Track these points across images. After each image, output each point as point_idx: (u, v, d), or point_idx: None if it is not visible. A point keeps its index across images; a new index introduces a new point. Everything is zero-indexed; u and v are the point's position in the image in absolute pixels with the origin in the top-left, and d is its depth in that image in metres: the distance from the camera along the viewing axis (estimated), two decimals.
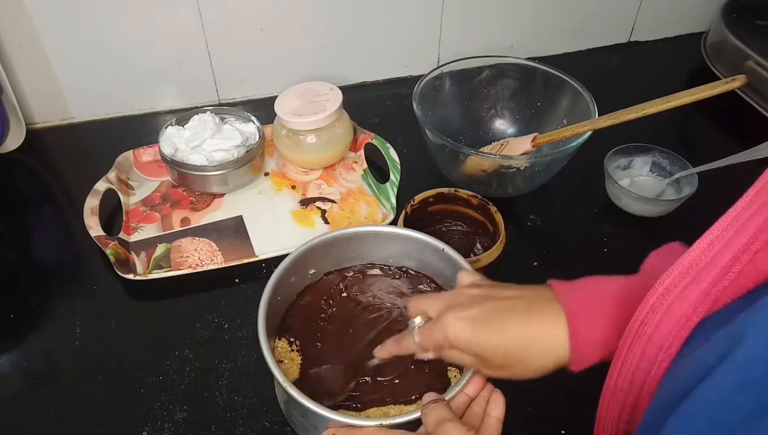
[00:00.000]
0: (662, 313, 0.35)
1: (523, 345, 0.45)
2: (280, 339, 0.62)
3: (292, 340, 0.62)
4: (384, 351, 0.55)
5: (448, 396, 0.51)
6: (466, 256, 0.64)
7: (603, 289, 0.45)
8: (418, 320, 0.52)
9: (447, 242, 0.64)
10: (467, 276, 0.54)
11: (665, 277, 0.36)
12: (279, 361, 0.59)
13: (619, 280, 0.46)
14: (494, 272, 0.70)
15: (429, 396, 0.50)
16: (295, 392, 0.51)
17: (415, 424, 0.49)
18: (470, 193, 0.74)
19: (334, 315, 0.64)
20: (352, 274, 0.68)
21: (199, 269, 0.73)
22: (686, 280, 0.35)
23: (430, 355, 0.51)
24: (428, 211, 0.75)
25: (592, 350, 0.43)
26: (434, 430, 0.45)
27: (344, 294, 0.66)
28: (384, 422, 0.50)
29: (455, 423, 0.45)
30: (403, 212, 0.73)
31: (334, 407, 0.56)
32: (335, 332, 0.63)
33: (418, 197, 0.74)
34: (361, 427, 0.49)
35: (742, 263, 0.33)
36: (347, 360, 0.60)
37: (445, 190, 0.74)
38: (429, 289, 0.66)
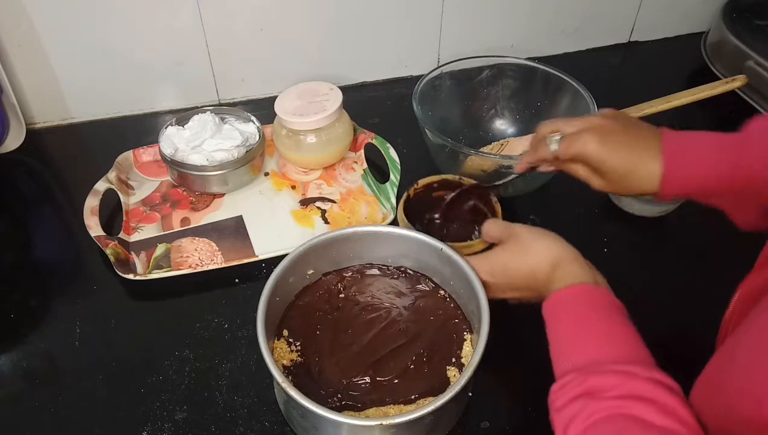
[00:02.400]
0: None
1: (628, 169, 0.55)
2: (279, 339, 0.62)
3: (291, 340, 0.62)
4: (523, 164, 0.65)
5: (447, 396, 0.51)
6: (462, 241, 0.67)
7: (704, 139, 0.54)
8: (556, 136, 0.59)
9: (447, 227, 0.64)
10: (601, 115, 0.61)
11: None
12: (278, 362, 0.59)
13: (722, 136, 0.54)
14: None
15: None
16: (294, 392, 0.51)
17: (416, 423, 0.49)
18: (473, 181, 0.75)
19: (333, 315, 0.64)
20: (350, 274, 0.68)
21: (199, 269, 0.73)
22: None
23: (550, 168, 0.63)
24: (432, 197, 0.76)
25: (680, 184, 0.54)
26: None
27: (342, 295, 0.66)
28: (384, 422, 0.50)
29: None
30: (405, 194, 0.73)
31: (335, 408, 0.56)
32: (334, 332, 0.63)
33: (422, 182, 0.75)
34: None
35: None
36: (346, 360, 0.60)
37: (449, 176, 0.75)
38: (428, 289, 0.66)
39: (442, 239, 0.65)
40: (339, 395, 0.58)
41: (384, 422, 0.50)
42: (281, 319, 0.63)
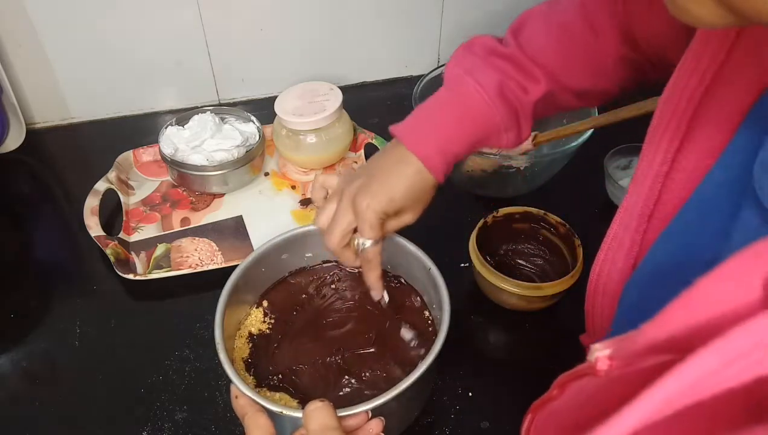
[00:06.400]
0: None
1: (411, 183, 0.56)
2: (257, 307, 0.64)
3: (267, 312, 0.64)
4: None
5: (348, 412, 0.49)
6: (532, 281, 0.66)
7: (431, 123, 0.57)
8: (362, 241, 0.57)
9: (522, 264, 0.65)
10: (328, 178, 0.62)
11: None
12: (247, 327, 0.63)
13: (438, 105, 0.57)
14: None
15: (315, 401, 0.46)
16: (223, 355, 0.54)
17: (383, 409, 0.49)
18: (559, 219, 0.70)
19: (315, 303, 0.65)
20: (348, 269, 0.68)
21: (199, 269, 0.73)
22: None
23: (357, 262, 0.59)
24: (513, 228, 0.73)
25: (441, 163, 0.56)
26: None
27: (333, 286, 0.67)
28: (284, 411, 0.49)
29: (339, 433, 0.43)
30: (482, 221, 0.70)
31: (270, 386, 0.58)
32: (308, 319, 0.64)
33: (503, 210, 0.71)
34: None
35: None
36: (305, 348, 0.61)
37: (533, 210, 0.71)
38: (415, 306, 0.65)
39: (511, 275, 0.64)
40: (280, 376, 0.58)
41: (284, 411, 0.49)
42: (267, 290, 0.65)
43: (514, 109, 0.56)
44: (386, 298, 0.61)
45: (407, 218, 0.58)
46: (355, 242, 0.57)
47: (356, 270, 0.67)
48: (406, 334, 0.61)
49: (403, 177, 0.55)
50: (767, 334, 0.20)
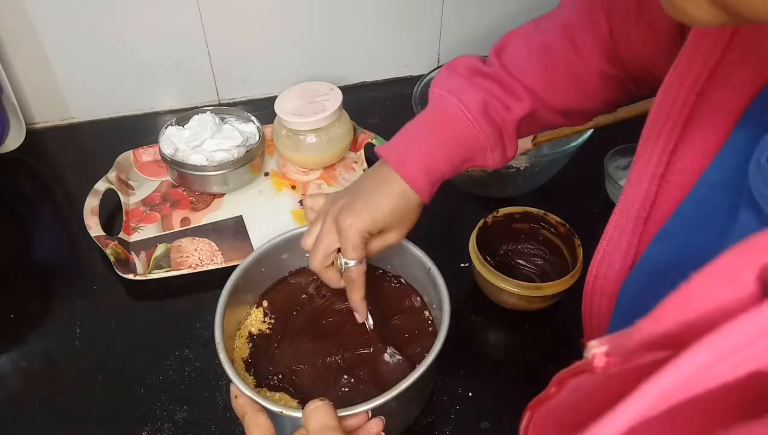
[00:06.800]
0: None
1: (395, 203, 0.56)
2: (257, 307, 0.64)
3: (267, 312, 0.64)
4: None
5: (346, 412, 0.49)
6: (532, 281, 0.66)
7: (416, 143, 0.56)
8: (344, 261, 0.56)
9: (522, 264, 0.64)
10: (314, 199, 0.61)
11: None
12: (247, 327, 0.63)
13: (423, 125, 0.57)
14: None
15: (315, 401, 0.45)
16: (223, 355, 0.54)
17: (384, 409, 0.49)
18: (559, 219, 0.70)
19: (315, 303, 0.65)
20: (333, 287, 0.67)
21: (199, 269, 0.73)
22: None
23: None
24: (513, 228, 0.73)
25: (426, 184, 0.56)
26: None
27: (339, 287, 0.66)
28: (284, 411, 0.49)
29: (340, 432, 0.43)
30: (482, 221, 0.70)
31: (270, 386, 0.58)
32: (308, 319, 0.63)
33: (503, 210, 0.71)
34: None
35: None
36: (304, 348, 0.61)
37: (533, 210, 0.71)
38: (415, 305, 0.64)
39: (511, 275, 0.64)
40: (280, 376, 0.58)
41: (284, 411, 0.49)
42: (267, 290, 0.66)
43: (498, 128, 0.56)
44: (370, 321, 0.61)
45: (391, 238, 0.58)
46: (339, 262, 0.57)
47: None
48: (390, 359, 0.60)
49: (388, 197, 0.55)
50: (760, 329, 0.20)
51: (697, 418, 0.24)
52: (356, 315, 0.60)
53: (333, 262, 0.57)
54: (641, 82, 0.57)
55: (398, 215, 0.56)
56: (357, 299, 0.58)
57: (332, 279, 0.58)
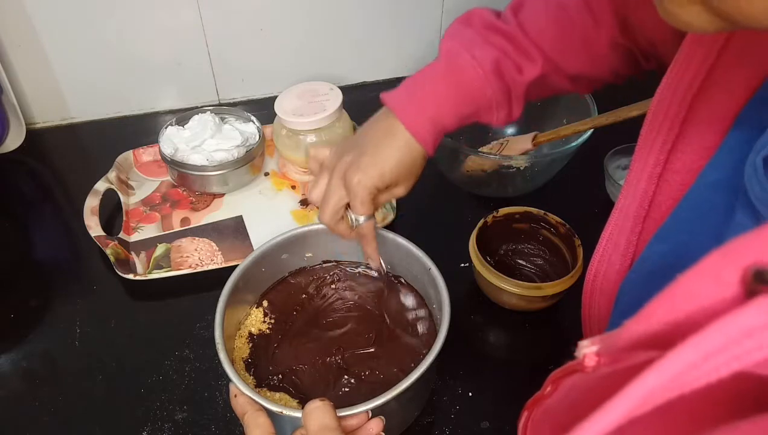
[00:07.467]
0: None
1: (401, 156, 0.56)
2: (257, 307, 0.64)
3: (267, 312, 0.64)
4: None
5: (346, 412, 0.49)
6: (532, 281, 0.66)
7: (423, 94, 0.56)
8: (354, 216, 0.57)
9: (522, 264, 0.65)
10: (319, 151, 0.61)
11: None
12: (247, 327, 0.63)
13: (431, 77, 0.57)
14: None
15: (315, 401, 0.45)
16: (223, 355, 0.54)
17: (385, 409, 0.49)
18: (559, 219, 0.70)
19: (315, 303, 0.65)
20: (347, 269, 0.68)
21: (199, 269, 0.73)
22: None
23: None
24: (513, 228, 0.73)
25: (431, 135, 0.56)
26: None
27: (333, 286, 0.67)
28: (284, 411, 0.49)
29: (339, 433, 0.43)
30: (482, 221, 0.70)
31: (271, 387, 0.58)
32: (308, 319, 0.64)
33: (503, 210, 0.71)
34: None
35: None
36: (305, 348, 0.61)
37: (533, 210, 0.71)
38: (413, 307, 0.65)
39: (511, 275, 0.64)
40: (280, 376, 0.58)
41: (284, 411, 0.49)
42: (267, 289, 0.66)
43: (508, 88, 0.56)
44: (384, 267, 0.63)
45: (399, 191, 0.58)
46: (350, 217, 0.57)
47: (356, 271, 0.67)
48: (406, 299, 0.63)
49: (393, 150, 0.55)
50: (742, 330, 0.20)
51: (684, 417, 0.24)
52: (371, 263, 0.62)
53: (343, 216, 0.58)
54: (649, 57, 0.57)
55: (405, 169, 0.56)
56: (371, 250, 0.60)
57: (343, 232, 0.59)
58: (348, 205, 0.57)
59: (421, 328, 0.62)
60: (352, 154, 0.56)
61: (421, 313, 0.63)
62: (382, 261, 0.62)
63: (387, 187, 0.57)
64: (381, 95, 0.58)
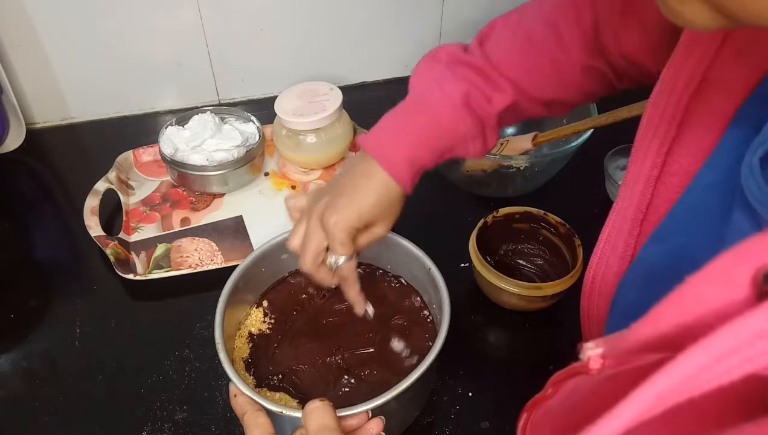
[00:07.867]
0: None
1: (378, 196, 0.55)
2: (258, 307, 0.64)
3: (267, 312, 0.64)
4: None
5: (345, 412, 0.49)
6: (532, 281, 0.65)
7: (397, 133, 0.56)
8: (334, 259, 0.56)
9: (522, 264, 0.64)
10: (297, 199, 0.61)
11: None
12: (247, 327, 0.63)
13: (404, 115, 0.57)
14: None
15: (315, 401, 0.46)
16: (223, 355, 0.54)
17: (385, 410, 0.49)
18: (559, 219, 0.70)
19: (316, 303, 0.65)
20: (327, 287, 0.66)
21: (199, 269, 0.73)
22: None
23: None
24: (513, 228, 0.73)
25: (408, 175, 0.55)
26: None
27: (333, 286, 0.66)
28: (284, 411, 0.49)
29: (338, 433, 0.43)
30: (482, 221, 0.70)
31: (271, 387, 0.58)
32: (308, 319, 0.64)
33: (503, 211, 0.71)
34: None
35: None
36: (305, 348, 0.61)
37: (533, 210, 0.71)
38: (415, 306, 0.64)
39: (511, 275, 0.64)
40: (280, 376, 0.58)
41: (284, 411, 0.49)
42: (267, 289, 0.66)
43: (480, 119, 0.56)
44: (370, 311, 0.61)
45: (378, 231, 0.57)
46: (329, 260, 0.56)
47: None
48: (397, 345, 0.61)
49: (370, 190, 0.55)
50: (754, 332, 0.20)
51: (693, 420, 0.24)
52: (355, 309, 0.60)
53: (323, 261, 0.57)
54: (624, 76, 0.57)
55: (382, 208, 0.56)
56: (353, 294, 0.59)
57: (325, 278, 0.58)
58: (328, 248, 0.56)
59: (420, 330, 0.62)
60: (328, 197, 0.55)
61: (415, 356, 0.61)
62: (369, 306, 0.61)
63: (366, 227, 0.56)
64: (357, 138, 0.58)
